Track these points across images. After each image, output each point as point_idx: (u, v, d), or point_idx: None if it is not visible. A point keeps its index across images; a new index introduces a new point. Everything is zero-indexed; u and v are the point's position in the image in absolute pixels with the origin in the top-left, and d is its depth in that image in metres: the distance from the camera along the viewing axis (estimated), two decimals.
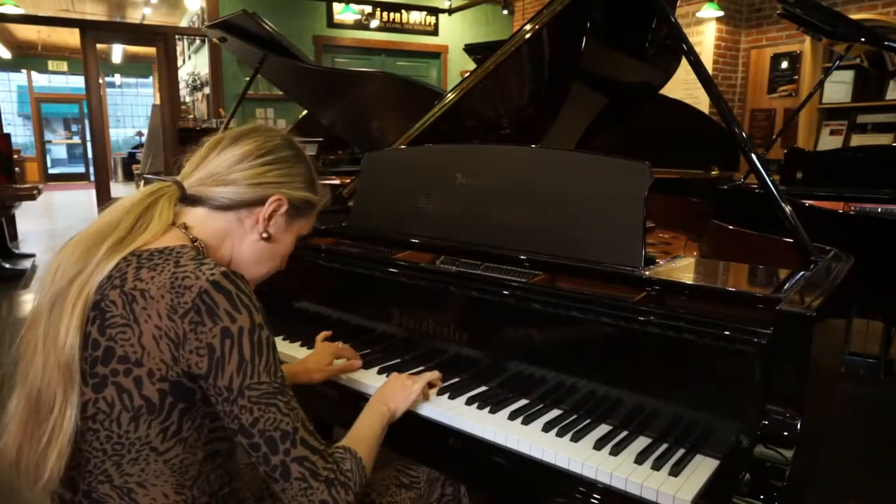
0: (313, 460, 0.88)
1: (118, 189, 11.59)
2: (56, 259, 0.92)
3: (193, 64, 9.49)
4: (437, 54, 8.87)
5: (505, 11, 8.14)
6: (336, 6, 7.92)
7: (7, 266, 5.54)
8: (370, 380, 1.36)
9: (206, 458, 0.93)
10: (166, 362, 0.86)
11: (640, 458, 1.04)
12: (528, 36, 1.84)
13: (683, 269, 1.31)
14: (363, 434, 1.07)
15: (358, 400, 1.32)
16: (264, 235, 1.04)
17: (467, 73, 2.02)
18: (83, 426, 0.88)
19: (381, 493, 1.18)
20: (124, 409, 0.86)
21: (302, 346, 1.58)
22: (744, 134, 1.50)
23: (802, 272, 1.24)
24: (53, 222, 9.20)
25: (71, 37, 10.20)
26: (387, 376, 1.31)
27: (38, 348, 0.88)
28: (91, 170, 13.10)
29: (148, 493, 0.89)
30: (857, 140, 5.52)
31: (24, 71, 15.43)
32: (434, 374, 1.28)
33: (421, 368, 1.39)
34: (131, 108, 17.00)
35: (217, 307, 0.85)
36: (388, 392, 1.19)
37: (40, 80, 15.78)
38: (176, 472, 0.90)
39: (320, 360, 1.37)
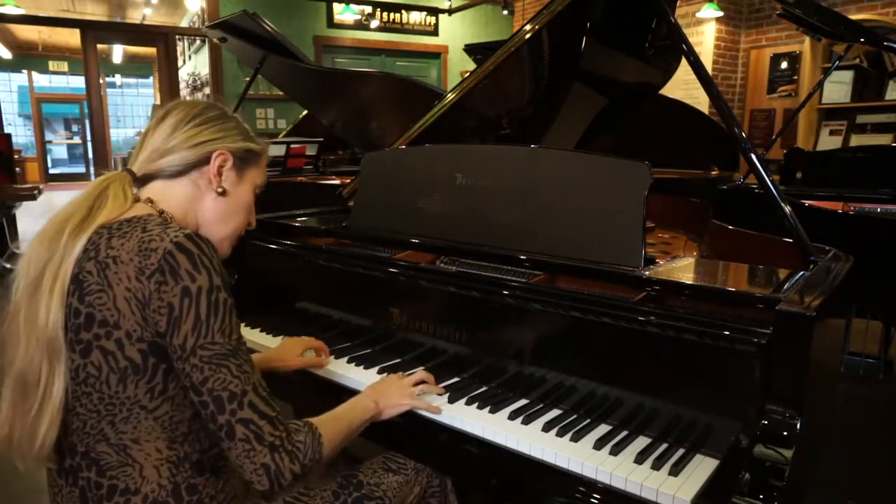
0: (260, 424, 0.90)
1: None
2: (26, 255, 0.98)
3: (194, 64, 9.48)
4: (437, 54, 8.87)
5: (505, 11, 8.13)
6: (336, 6, 7.92)
7: (8, 266, 5.54)
8: (370, 379, 1.36)
9: (195, 415, 0.96)
10: (139, 323, 0.90)
11: (640, 458, 1.04)
12: (528, 36, 1.84)
13: (683, 269, 1.31)
14: (338, 416, 1.10)
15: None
16: (219, 191, 1.09)
17: (467, 74, 2.02)
18: (78, 391, 0.93)
19: (369, 475, 1.21)
20: (111, 371, 0.91)
21: None
22: (743, 134, 1.50)
23: (802, 272, 1.24)
24: None
25: (71, 37, 10.20)
26: (387, 376, 1.31)
27: (20, 335, 0.93)
28: (91, 170, 13.11)
29: (142, 448, 0.93)
30: (856, 140, 5.53)
31: (25, 71, 15.44)
32: (435, 389, 1.29)
33: (420, 368, 1.39)
34: (132, 109, 16.97)
35: (179, 267, 0.89)
36: (383, 390, 1.21)
37: (41, 80, 15.79)
38: (167, 428, 0.94)
39: (291, 349, 1.44)
